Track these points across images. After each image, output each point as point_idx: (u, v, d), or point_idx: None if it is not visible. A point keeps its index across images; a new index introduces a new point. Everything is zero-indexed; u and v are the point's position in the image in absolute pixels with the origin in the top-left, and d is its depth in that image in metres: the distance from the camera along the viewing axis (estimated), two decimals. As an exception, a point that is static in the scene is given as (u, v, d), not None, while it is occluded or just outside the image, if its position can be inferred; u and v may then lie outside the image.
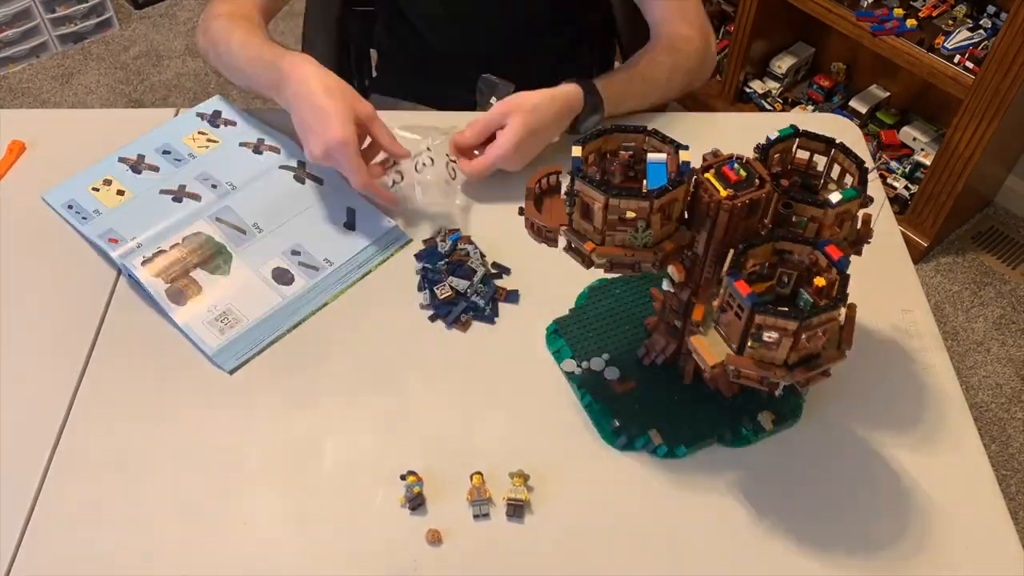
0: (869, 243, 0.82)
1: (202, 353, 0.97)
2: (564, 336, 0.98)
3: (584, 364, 0.95)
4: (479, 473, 0.87)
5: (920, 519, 0.86)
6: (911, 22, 1.99)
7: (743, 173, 0.74)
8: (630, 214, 0.74)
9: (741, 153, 0.77)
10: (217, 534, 0.85)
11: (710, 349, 0.76)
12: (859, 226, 0.81)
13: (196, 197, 1.10)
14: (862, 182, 0.77)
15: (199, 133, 1.19)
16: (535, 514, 0.86)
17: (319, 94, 0.97)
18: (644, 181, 0.78)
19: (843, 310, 0.73)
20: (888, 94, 2.31)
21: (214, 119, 1.21)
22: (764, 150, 0.80)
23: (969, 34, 1.96)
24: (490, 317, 1.01)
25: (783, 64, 2.37)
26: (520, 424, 0.92)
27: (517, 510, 0.85)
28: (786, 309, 0.70)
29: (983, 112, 1.89)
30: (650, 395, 0.92)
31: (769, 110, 2.39)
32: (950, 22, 2.01)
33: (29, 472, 0.89)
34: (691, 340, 0.78)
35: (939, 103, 2.20)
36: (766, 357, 0.73)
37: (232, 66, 1.12)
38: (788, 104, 2.41)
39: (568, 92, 1.10)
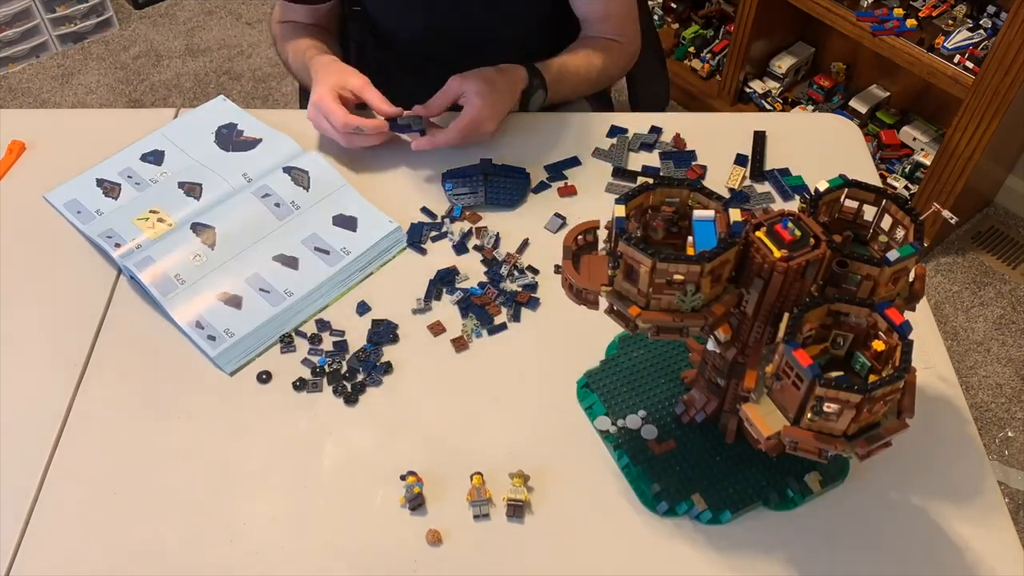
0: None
1: (203, 353, 0.98)
2: (596, 390, 0.94)
3: (620, 422, 0.91)
4: (479, 473, 0.87)
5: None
6: (911, 22, 1.99)
7: (797, 232, 0.70)
8: (678, 277, 0.69)
9: (792, 210, 0.73)
10: (217, 534, 0.85)
11: (764, 419, 0.72)
12: (912, 280, 0.77)
13: (198, 198, 1.10)
14: (918, 237, 0.73)
15: (200, 133, 1.19)
16: (535, 514, 0.86)
17: (320, 71, 1.18)
18: (689, 238, 0.73)
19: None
20: (888, 94, 2.31)
21: (216, 120, 1.21)
22: (813, 203, 0.76)
23: (969, 34, 1.96)
24: (500, 326, 1.01)
25: (783, 64, 2.37)
26: (520, 424, 0.92)
27: (517, 510, 0.85)
28: (846, 378, 0.65)
29: (983, 112, 1.89)
30: (691, 456, 0.88)
31: (769, 110, 2.39)
32: (950, 22, 2.01)
33: (29, 472, 0.89)
34: (744, 408, 0.74)
35: (939, 103, 2.20)
36: (824, 428, 0.69)
37: (295, 74, 1.33)
38: (788, 104, 2.40)
39: (509, 65, 1.20)
